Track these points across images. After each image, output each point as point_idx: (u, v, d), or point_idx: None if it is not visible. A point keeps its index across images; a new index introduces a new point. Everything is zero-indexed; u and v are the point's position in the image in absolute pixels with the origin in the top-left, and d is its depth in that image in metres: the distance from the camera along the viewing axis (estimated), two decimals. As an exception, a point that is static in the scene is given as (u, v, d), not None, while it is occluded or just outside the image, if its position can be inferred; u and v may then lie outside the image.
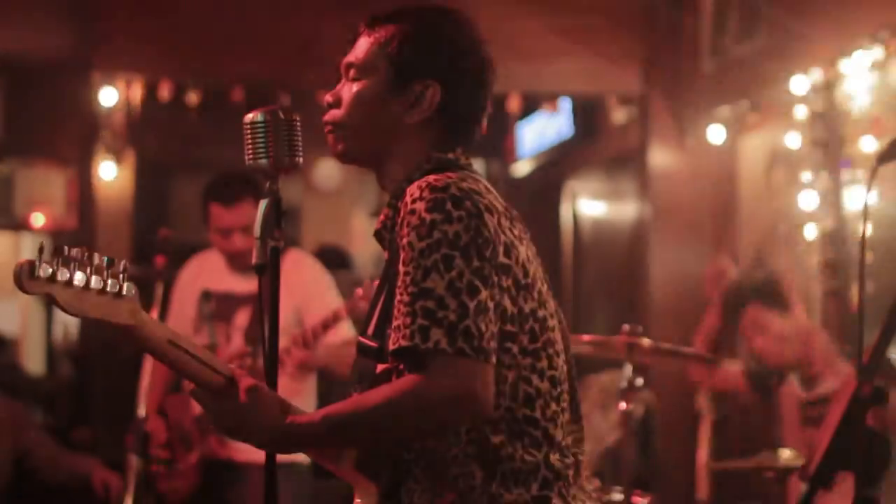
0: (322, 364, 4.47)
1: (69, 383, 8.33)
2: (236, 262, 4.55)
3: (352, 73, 2.25)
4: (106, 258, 2.02)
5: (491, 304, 1.99)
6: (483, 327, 1.96)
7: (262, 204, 2.22)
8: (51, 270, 1.95)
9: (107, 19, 6.80)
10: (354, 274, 6.92)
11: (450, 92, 2.20)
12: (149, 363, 4.61)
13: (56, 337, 9.46)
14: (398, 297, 2.00)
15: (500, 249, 2.04)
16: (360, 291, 4.26)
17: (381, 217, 2.22)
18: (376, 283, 2.23)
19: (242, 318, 4.56)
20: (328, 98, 2.27)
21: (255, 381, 2.13)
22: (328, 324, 4.35)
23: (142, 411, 4.62)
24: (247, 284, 4.54)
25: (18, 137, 7.50)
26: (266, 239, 2.22)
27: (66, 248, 1.98)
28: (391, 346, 2.00)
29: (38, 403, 8.00)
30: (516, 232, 2.12)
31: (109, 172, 7.24)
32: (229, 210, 4.48)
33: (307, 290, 4.53)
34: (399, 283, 2.01)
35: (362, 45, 2.24)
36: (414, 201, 2.02)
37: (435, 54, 2.21)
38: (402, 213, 2.05)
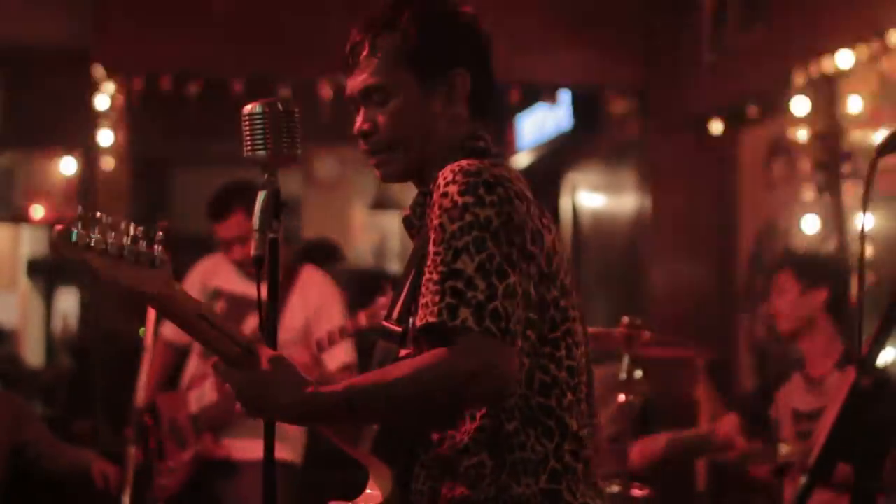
0: (318, 378, 4.46)
1: (68, 375, 8.33)
2: (244, 269, 4.69)
3: (376, 97, 2.21)
4: (142, 227, 2.02)
5: (519, 289, 1.99)
6: (510, 310, 1.96)
7: (261, 195, 2.21)
8: (87, 237, 1.95)
9: (107, 11, 6.79)
10: (347, 267, 6.91)
11: (476, 74, 2.22)
12: (149, 354, 4.61)
13: (55, 328, 9.46)
14: (427, 276, 2.00)
15: (528, 237, 2.04)
16: (382, 300, 4.28)
17: (412, 203, 2.21)
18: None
19: (253, 322, 4.56)
20: (364, 128, 2.22)
21: (278, 352, 2.11)
22: (334, 338, 4.38)
23: (140, 402, 4.63)
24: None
25: (18, 129, 7.49)
26: (265, 231, 2.21)
27: (102, 214, 1.98)
28: (418, 322, 1.99)
29: (37, 395, 8.00)
30: (545, 221, 2.12)
31: (109, 164, 7.23)
32: (222, 225, 4.64)
33: (318, 304, 4.60)
34: (429, 262, 2.00)
35: (374, 65, 2.20)
36: (447, 184, 2.02)
37: (450, 44, 2.22)
38: (434, 196, 2.04)
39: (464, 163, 2.05)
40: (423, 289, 2.00)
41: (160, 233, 2.04)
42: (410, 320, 2.11)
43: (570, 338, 2.11)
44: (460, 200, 1.99)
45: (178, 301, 2.07)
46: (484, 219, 1.98)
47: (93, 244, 1.96)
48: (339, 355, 4.51)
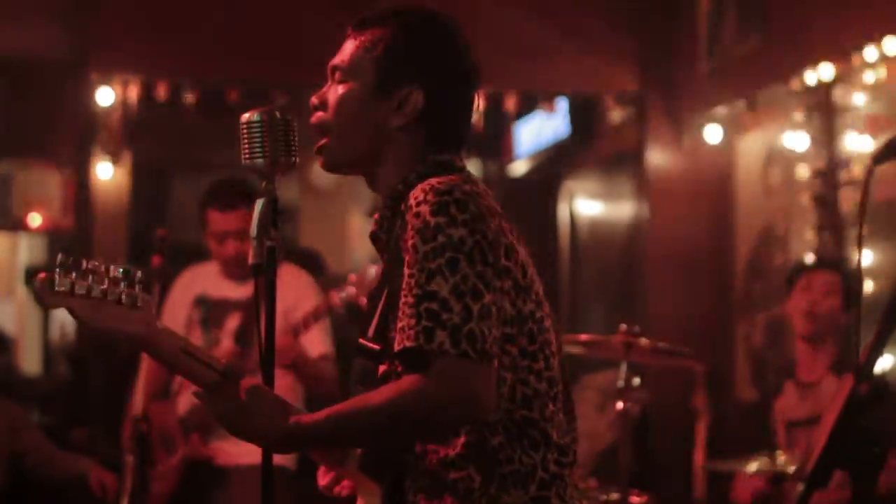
0: (296, 360, 4.49)
1: (66, 383, 8.32)
2: (230, 268, 4.64)
3: (337, 75, 2.26)
4: (122, 269, 2.06)
5: (494, 308, 2.00)
6: (486, 330, 1.97)
7: (259, 204, 2.22)
8: (69, 284, 1.99)
9: (104, 20, 6.79)
10: (329, 278, 6.89)
11: (433, 97, 2.21)
12: (145, 364, 4.61)
13: (53, 337, 9.45)
14: (403, 299, 2.00)
15: (502, 252, 2.05)
16: (352, 277, 4.41)
17: (376, 218, 2.22)
18: (372, 268, 2.24)
19: (232, 322, 4.62)
20: (314, 100, 2.28)
21: (257, 382, 2.13)
22: (308, 322, 4.44)
23: (137, 411, 4.63)
24: (240, 291, 4.63)
25: (15, 138, 7.49)
26: (263, 239, 2.22)
27: (83, 260, 2.02)
28: (396, 347, 2.00)
29: (34, 403, 7.98)
30: (514, 234, 2.13)
31: (106, 173, 7.22)
32: (224, 215, 4.58)
33: (294, 295, 4.59)
34: (404, 285, 2.01)
35: (348, 48, 2.26)
36: (419, 204, 2.02)
37: (418, 59, 2.22)
38: (406, 216, 2.05)
39: (434, 181, 2.06)
40: (400, 312, 2.01)
41: (139, 273, 2.06)
42: (388, 337, 2.11)
43: (548, 348, 2.12)
44: (433, 221, 2.00)
45: (163, 339, 2.11)
46: (458, 239, 1.99)
47: (76, 290, 1.99)
48: (318, 344, 4.55)
